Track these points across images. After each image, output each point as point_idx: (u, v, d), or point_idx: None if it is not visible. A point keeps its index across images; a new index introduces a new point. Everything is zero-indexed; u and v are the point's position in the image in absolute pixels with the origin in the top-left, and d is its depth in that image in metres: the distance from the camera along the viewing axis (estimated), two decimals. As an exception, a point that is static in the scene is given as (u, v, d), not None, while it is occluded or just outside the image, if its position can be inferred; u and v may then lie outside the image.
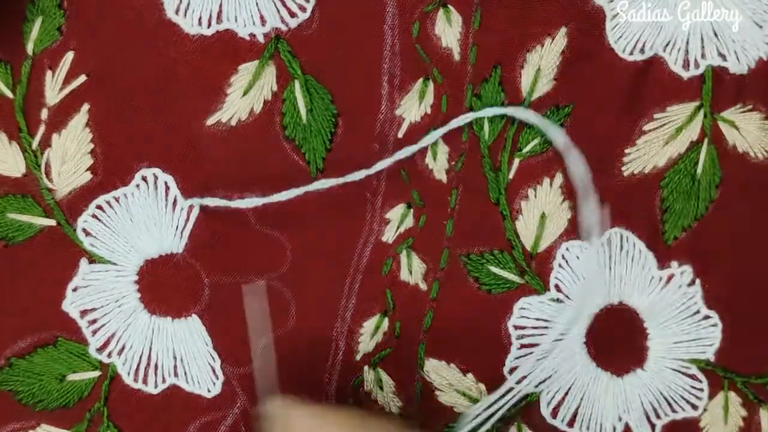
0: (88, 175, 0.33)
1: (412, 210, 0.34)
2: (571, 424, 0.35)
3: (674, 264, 0.35)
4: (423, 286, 0.34)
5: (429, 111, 0.34)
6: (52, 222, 0.33)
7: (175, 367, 0.33)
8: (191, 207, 0.33)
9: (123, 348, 0.33)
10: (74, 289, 0.33)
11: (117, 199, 0.33)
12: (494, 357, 0.34)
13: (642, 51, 0.34)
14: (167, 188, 0.33)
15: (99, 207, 0.33)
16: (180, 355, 0.33)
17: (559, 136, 0.33)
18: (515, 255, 0.34)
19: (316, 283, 0.34)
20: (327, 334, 0.34)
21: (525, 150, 0.34)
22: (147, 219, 0.33)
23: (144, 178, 0.33)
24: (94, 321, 0.33)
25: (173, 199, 0.33)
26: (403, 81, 0.34)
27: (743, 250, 0.35)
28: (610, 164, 0.34)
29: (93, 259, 0.33)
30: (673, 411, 0.35)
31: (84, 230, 0.32)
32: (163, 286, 0.33)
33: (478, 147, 0.34)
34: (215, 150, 0.33)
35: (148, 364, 0.33)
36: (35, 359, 0.33)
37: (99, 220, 0.33)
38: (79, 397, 0.33)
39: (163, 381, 0.33)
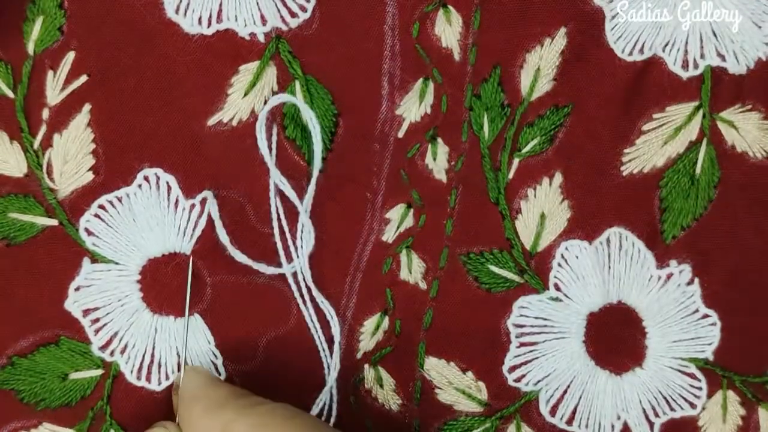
0: (90, 175, 0.33)
1: (412, 210, 0.34)
2: (569, 422, 0.35)
3: (673, 263, 0.35)
4: (423, 285, 0.35)
5: (429, 111, 0.34)
6: (54, 222, 0.32)
7: (178, 365, 0.33)
8: (193, 206, 0.33)
9: (126, 347, 0.33)
10: (77, 289, 0.32)
11: (119, 199, 0.33)
12: (494, 355, 0.35)
13: (641, 51, 0.34)
14: (169, 188, 0.33)
15: (101, 207, 0.33)
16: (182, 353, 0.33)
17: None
18: (515, 254, 0.34)
19: (318, 282, 0.34)
20: (328, 332, 0.34)
21: (524, 150, 0.34)
22: (150, 219, 0.33)
23: (146, 178, 0.33)
24: (96, 320, 0.33)
25: (175, 199, 0.33)
26: (403, 81, 0.34)
27: (742, 249, 0.35)
28: (610, 164, 0.34)
29: (95, 259, 0.33)
30: (672, 410, 0.35)
31: (86, 230, 0.32)
32: (165, 285, 0.33)
33: (478, 147, 0.34)
34: (216, 150, 0.33)
35: (152, 362, 0.33)
36: (38, 358, 0.33)
37: (101, 219, 0.33)
38: (82, 396, 0.33)
39: (167, 378, 0.33)
